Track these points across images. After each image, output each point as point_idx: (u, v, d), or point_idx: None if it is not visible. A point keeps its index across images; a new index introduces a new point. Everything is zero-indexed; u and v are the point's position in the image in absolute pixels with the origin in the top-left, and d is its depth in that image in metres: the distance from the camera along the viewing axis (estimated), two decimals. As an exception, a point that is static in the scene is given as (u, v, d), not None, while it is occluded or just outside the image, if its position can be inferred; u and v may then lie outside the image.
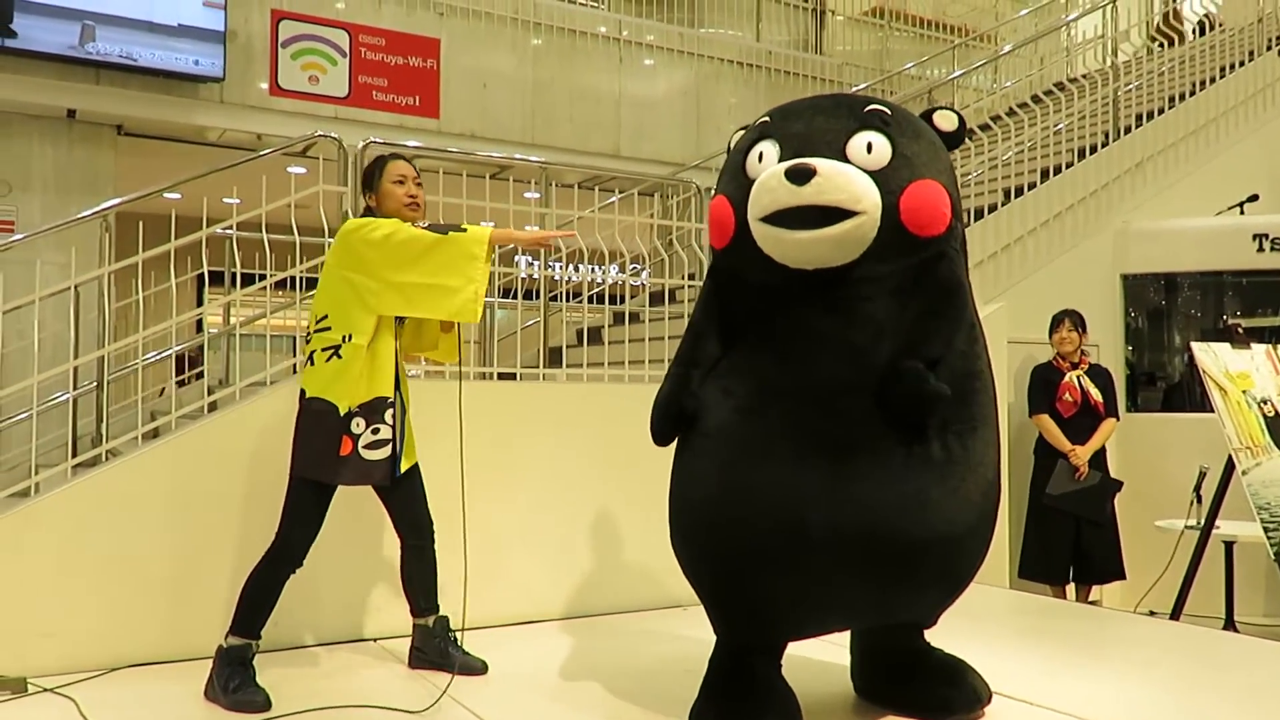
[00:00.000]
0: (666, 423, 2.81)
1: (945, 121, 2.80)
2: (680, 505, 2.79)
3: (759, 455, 2.60)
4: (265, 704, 2.94)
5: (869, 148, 2.58)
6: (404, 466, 3.24)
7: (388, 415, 3.12)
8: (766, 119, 2.78)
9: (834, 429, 2.56)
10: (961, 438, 2.58)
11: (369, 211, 3.30)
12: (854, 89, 9.04)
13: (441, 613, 3.40)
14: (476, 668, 3.33)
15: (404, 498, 3.31)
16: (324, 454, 3.06)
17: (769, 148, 2.67)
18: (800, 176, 2.50)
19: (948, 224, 2.62)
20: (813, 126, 2.66)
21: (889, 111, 2.67)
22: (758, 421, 2.64)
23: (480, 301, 3.05)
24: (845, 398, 2.56)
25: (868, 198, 2.52)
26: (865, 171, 2.55)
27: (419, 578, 3.36)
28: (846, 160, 2.57)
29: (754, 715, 2.68)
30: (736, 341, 2.80)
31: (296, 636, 3.63)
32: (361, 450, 3.08)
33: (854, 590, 2.60)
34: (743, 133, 2.88)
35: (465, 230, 3.08)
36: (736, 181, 2.72)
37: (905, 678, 2.94)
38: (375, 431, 3.09)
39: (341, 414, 3.06)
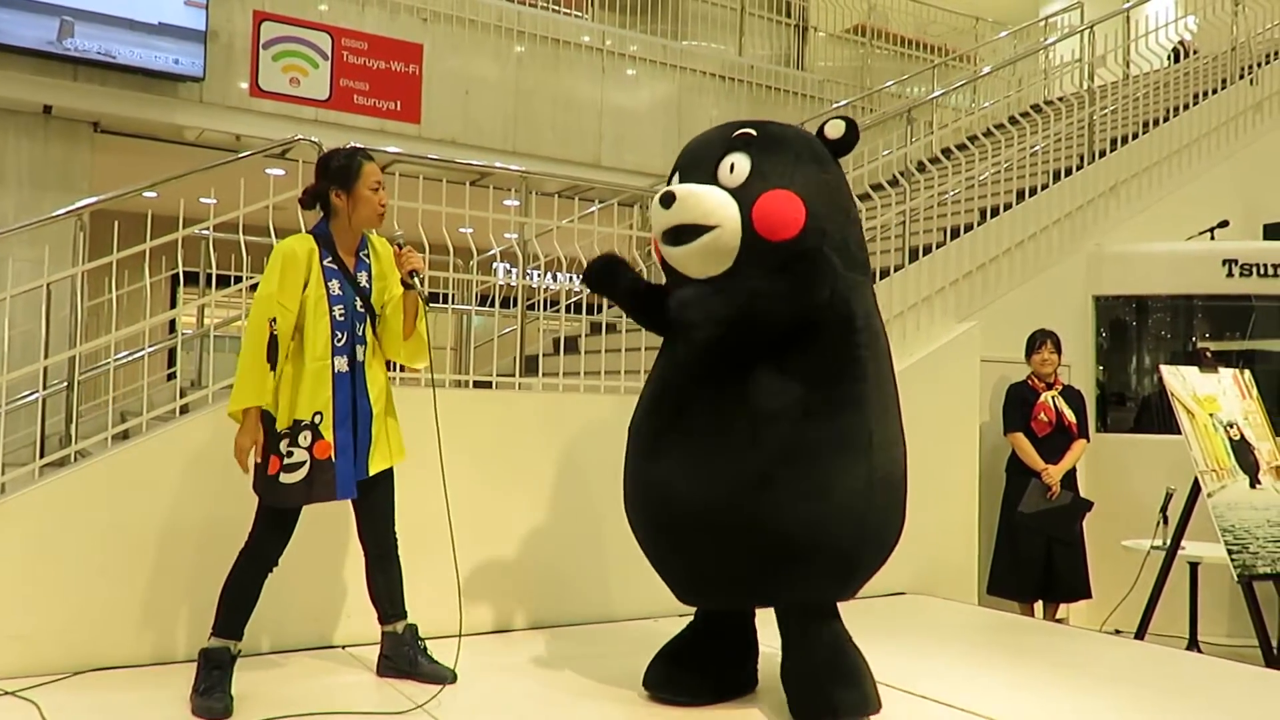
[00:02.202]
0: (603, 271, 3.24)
1: (831, 129, 3.06)
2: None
3: (646, 449, 3.03)
4: (223, 712, 2.94)
5: (731, 168, 2.92)
6: (374, 469, 3.23)
7: (301, 438, 3.10)
8: (681, 152, 3.15)
9: (699, 418, 2.91)
10: (830, 421, 2.83)
11: (325, 203, 3.24)
12: (834, 105, 9.11)
13: (410, 620, 3.39)
14: (445, 677, 3.31)
15: (372, 508, 3.30)
16: (260, 470, 3.12)
17: (674, 176, 3.08)
18: (665, 201, 2.89)
19: (801, 227, 2.86)
20: (694, 155, 3.05)
21: (754, 133, 2.97)
22: (650, 421, 3.06)
23: (236, 402, 3.05)
24: (708, 389, 2.91)
25: (719, 212, 2.85)
26: (729, 189, 2.88)
27: (383, 585, 3.35)
28: (716, 181, 2.90)
29: (674, 674, 3.09)
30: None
31: (264, 643, 3.60)
32: (282, 474, 3.09)
33: (718, 566, 2.90)
34: None
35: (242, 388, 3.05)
36: None
37: (787, 672, 3.01)
38: (290, 455, 3.10)
39: (276, 431, 3.10)
